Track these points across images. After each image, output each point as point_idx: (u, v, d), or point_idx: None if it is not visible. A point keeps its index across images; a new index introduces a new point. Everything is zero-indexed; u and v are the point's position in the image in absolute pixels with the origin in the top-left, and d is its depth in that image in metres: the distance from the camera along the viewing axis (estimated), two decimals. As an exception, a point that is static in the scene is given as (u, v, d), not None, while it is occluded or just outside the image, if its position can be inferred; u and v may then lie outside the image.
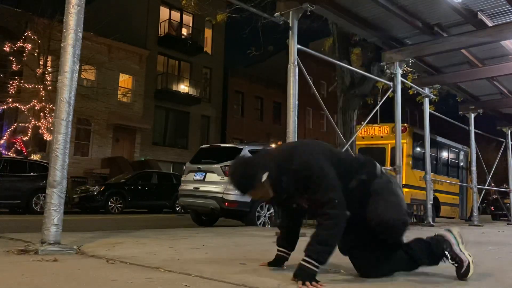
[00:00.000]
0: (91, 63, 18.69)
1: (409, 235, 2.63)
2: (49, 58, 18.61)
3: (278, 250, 2.69)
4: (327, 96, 26.21)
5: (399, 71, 8.32)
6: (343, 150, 2.69)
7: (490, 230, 8.07)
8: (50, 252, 3.00)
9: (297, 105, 5.80)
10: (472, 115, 11.43)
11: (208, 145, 10.26)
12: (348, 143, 7.34)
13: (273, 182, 2.34)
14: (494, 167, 12.74)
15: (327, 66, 23.48)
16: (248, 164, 2.38)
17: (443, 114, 12.03)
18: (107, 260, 2.82)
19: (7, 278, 2.21)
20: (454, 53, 8.43)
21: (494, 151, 19.22)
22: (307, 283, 2.12)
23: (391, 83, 8.41)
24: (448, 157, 12.87)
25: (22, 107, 17.59)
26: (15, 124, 18.16)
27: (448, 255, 2.43)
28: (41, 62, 18.32)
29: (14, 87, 17.76)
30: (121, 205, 14.64)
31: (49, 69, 18.66)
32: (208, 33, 27.49)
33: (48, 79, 18.27)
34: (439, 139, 12.24)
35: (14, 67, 17.83)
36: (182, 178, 9.13)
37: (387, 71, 8.59)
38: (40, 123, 17.73)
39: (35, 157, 16.05)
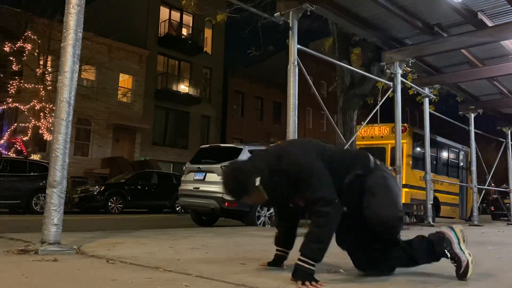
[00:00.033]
0: (91, 63, 18.69)
1: (409, 235, 2.63)
2: (49, 58, 18.61)
3: (277, 250, 2.69)
4: (327, 96, 26.21)
5: (399, 71, 8.32)
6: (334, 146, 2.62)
7: (490, 230, 8.07)
8: (50, 252, 3.00)
9: (297, 105, 5.81)
10: (472, 115, 11.44)
11: (208, 145, 10.26)
12: (348, 143, 7.34)
13: (266, 185, 2.34)
14: (494, 167, 12.75)
15: (327, 66, 23.48)
16: (239, 170, 2.36)
17: (443, 114, 12.03)
18: (107, 260, 2.82)
19: (7, 278, 2.21)
20: (454, 53, 8.44)
21: (494, 151, 19.22)
22: (307, 283, 2.12)
23: (391, 83, 8.42)
24: (448, 157, 12.87)
25: (22, 107, 17.59)
26: (15, 124, 18.16)
27: (448, 254, 2.43)
28: (41, 62, 18.32)
29: (14, 87, 17.76)
30: (121, 205, 14.64)
31: (49, 69, 18.67)
32: (208, 33, 27.49)
33: (48, 79, 18.27)
34: (439, 139, 12.24)
35: (14, 67, 17.83)
36: (182, 178, 9.13)
37: (387, 71, 8.60)
38: (40, 123, 17.73)
39: (35, 157, 16.05)
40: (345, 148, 2.64)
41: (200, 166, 8.52)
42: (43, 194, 11.17)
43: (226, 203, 7.76)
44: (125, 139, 23.65)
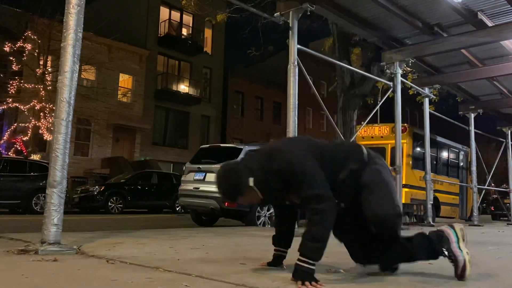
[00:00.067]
0: (91, 63, 18.69)
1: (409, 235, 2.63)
2: (49, 58, 18.62)
3: (275, 250, 2.69)
4: (327, 96, 26.22)
5: (399, 71, 8.32)
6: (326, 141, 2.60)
7: (490, 230, 8.07)
8: (50, 252, 3.00)
9: (297, 105, 5.80)
10: (472, 115, 11.43)
11: (208, 145, 10.26)
12: (348, 143, 7.34)
13: (260, 185, 2.34)
14: (494, 167, 12.75)
15: (327, 66, 23.50)
16: (233, 171, 2.37)
17: (443, 114, 12.03)
18: (107, 260, 2.82)
19: (7, 278, 2.21)
20: (454, 53, 8.44)
21: (494, 151, 19.23)
22: (307, 283, 2.12)
23: (391, 83, 8.42)
24: (448, 157, 12.87)
25: (22, 107, 17.60)
26: (15, 124, 18.17)
27: (446, 252, 2.42)
28: (41, 62, 18.32)
29: (14, 87, 17.77)
30: (121, 205, 14.64)
31: (49, 69, 18.67)
32: (208, 33, 27.49)
33: (48, 79, 18.27)
34: (439, 139, 12.23)
35: (14, 67, 17.84)
36: (182, 178, 9.13)
37: (387, 71, 8.59)
38: (40, 123, 17.73)
39: (35, 157, 16.06)
40: (337, 142, 2.60)
41: (200, 166, 8.52)
42: (43, 194, 11.18)
43: (226, 203, 7.76)
44: (125, 139, 23.65)
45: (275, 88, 28.47)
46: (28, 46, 17.77)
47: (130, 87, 24.24)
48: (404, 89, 10.46)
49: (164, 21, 25.58)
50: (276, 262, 2.67)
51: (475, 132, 11.48)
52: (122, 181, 15.62)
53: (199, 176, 8.43)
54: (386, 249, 2.51)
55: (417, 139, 11.19)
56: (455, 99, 12.46)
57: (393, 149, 8.64)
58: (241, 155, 7.65)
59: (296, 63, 5.90)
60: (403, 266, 2.66)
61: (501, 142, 13.48)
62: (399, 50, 8.22)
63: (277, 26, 7.14)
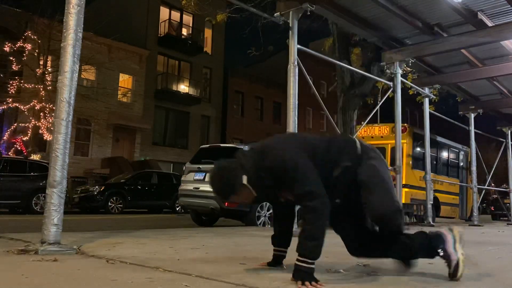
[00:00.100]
0: (91, 63, 18.69)
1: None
2: (49, 58, 18.62)
3: (274, 250, 2.69)
4: (327, 96, 26.22)
5: (399, 71, 8.32)
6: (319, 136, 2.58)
7: (490, 230, 8.07)
8: (50, 252, 3.00)
9: (297, 105, 5.80)
10: (472, 115, 11.43)
11: (208, 145, 10.26)
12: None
13: (254, 183, 2.34)
14: (494, 167, 12.74)
15: (327, 66, 23.48)
16: (226, 169, 2.37)
17: (443, 114, 12.02)
18: (107, 260, 2.82)
19: (7, 278, 2.21)
20: (454, 53, 8.43)
21: (494, 151, 19.22)
22: (306, 283, 2.12)
23: (391, 83, 8.42)
24: (448, 157, 12.87)
25: (22, 107, 17.60)
26: (15, 124, 18.17)
27: (441, 252, 2.42)
28: (41, 62, 18.32)
29: (14, 87, 17.77)
30: (121, 205, 14.64)
31: (49, 69, 18.67)
32: (208, 33, 27.49)
33: (48, 79, 18.27)
34: (439, 139, 12.23)
35: (14, 67, 17.84)
36: (182, 178, 9.13)
37: (387, 71, 8.59)
38: (40, 123, 17.73)
39: (35, 157, 16.05)
40: (330, 137, 2.56)
41: (200, 166, 8.52)
42: (43, 194, 11.17)
43: (226, 203, 7.75)
44: (125, 139, 23.65)
45: (275, 88, 28.47)
46: (28, 46, 17.76)
47: (130, 87, 24.24)
48: (404, 89, 10.46)
49: (164, 21, 25.58)
50: (276, 262, 2.67)
51: (475, 132, 11.48)
52: (122, 181, 15.62)
53: (199, 176, 8.43)
54: (382, 241, 2.53)
55: (417, 139, 11.19)
56: (455, 99, 12.46)
57: (393, 149, 8.65)
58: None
59: (296, 63, 5.90)
60: (401, 266, 2.66)
61: (501, 142, 13.48)
62: (399, 50, 8.22)
63: (277, 26, 7.14)
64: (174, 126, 26.09)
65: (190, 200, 8.53)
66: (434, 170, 10.85)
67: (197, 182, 8.38)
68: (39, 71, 18.08)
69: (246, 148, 2.50)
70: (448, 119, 12.09)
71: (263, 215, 8.29)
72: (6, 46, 17.29)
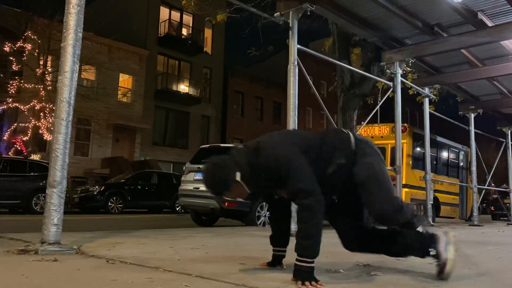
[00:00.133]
0: (91, 63, 18.70)
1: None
2: (49, 58, 18.62)
3: (273, 250, 2.69)
4: (327, 96, 26.21)
5: (399, 71, 8.31)
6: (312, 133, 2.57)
7: (490, 230, 8.07)
8: (50, 252, 3.00)
9: (297, 105, 5.80)
10: (472, 115, 11.43)
11: (208, 145, 10.26)
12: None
13: (248, 179, 2.33)
14: (494, 167, 12.74)
15: (327, 66, 23.47)
16: (219, 165, 2.36)
17: (443, 114, 12.02)
18: (107, 260, 2.82)
19: (7, 278, 2.21)
20: (454, 53, 8.43)
21: (494, 151, 19.21)
22: (306, 283, 2.12)
23: (391, 83, 8.41)
24: (448, 157, 12.87)
25: (22, 107, 17.60)
26: (15, 124, 18.17)
27: (433, 251, 2.43)
28: (41, 62, 18.33)
29: (14, 87, 17.77)
30: (121, 205, 14.64)
31: (49, 69, 18.67)
32: (208, 33, 27.49)
33: (48, 79, 18.28)
34: (439, 139, 12.23)
35: (14, 67, 17.84)
36: (182, 178, 9.12)
37: (387, 71, 8.59)
38: (40, 123, 17.73)
39: (35, 157, 16.06)
40: (324, 134, 2.54)
41: (200, 166, 8.51)
42: (43, 194, 11.18)
43: (226, 203, 7.77)
44: (125, 139, 23.65)
45: (275, 88, 28.47)
46: (28, 46, 17.77)
47: (130, 87, 24.24)
48: (404, 89, 10.45)
49: (164, 21, 25.58)
50: (276, 262, 2.67)
51: (475, 132, 11.48)
52: (122, 181, 15.62)
53: (199, 176, 8.43)
54: (378, 241, 2.55)
55: (417, 139, 11.19)
56: (455, 99, 12.45)
57: (393, 149, 8.64)
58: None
59: (296, 63, 5.89)
60: (403, 266, 2.67)
61: (501, 142, 13.48)
62: (399, 50, 8.21)
63: (277, 26, 7.13)
64: (174, 126, 26.10)
65: (190, 200, 8.53)
66: (434, 170, 10.85)
67: (197, 182, 8.38)
68: (39, 71, 18.09)
69: (241, 145, 2.49)
70: (448, 119, 12.09)
71: (263, 215, 8.28)
72: (6, 46, 17.30)
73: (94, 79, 22.08)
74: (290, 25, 6.07)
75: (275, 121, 30.06)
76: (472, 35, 7.28)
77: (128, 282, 2.17)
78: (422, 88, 9.89)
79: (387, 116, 11.74)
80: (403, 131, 9.64)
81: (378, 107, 8.66)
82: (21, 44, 17.52)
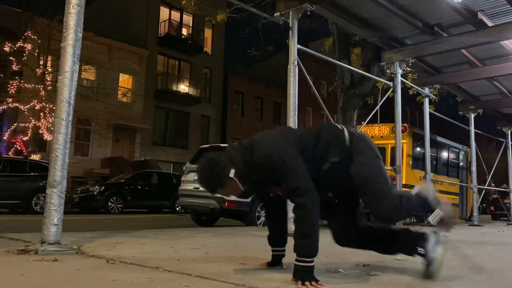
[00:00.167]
0: (91, 63, 18.70)
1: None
2: (49, 58, 18.63)
3: (273, 250, 2.69)
4: (327, 96, 26.21)
5: (399, 71, 8.31)
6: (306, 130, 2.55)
7: (490, 230, 8.07)
8: (50, 252, 3.00)
9: (297, 105, 5.80)
10: (472, 115, 11.43)
11: (208, 145, 10.27)
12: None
13: (242, 177, 2.33)
14: (494, 167, 12.74)
15: (327, 66, 23.47)
16: (214, 162, 2.35)
17: (443, 114, 12.02)
18: (107, 260, 2.81)
19: (7, 278, 2.21)
20: (454, 53, 8.43)
21: (494, 151, 19.22)
22: (307, 283, 2.12)
23: (391, 83, 8.42)
24: (448, 157, 12.87)
25: (22, 107, 17.60)
26: (15, 124, 18.17)
27: (421, 251, 2.44)
28: (41, 62, 18.33)
29: (14, 87, 17.78)
30: (121, 205, 14.64)
31: (49, 69, 18.68)
32: (208, 33, 27.49)
33: (48, 79, 18.28)
34: (439, 139, 12.23)
35: (14, 67, 17.84)
36: (182, 178, 9.13)
37: (387, 71, 8.59)
38: (40, 123, 17.74)
39: (35, 157, 16.06)
40: (318, 131, 2.51)
41: (200, 166, 8.51)
42: (43, 194, 11.18)
43: (226, 203, 7.77)
44: (125, 139, 23.65)
45: (275, 88, 28.47)
46: (28, 46, 17.77)
47: (130, 87, 24.25)
48: (404, 89, 10.45)
49: (164, 21, 25.58)
50: (276, 262, 2.67)
51: (475, 132, 11.48)
52: (122, 181, 15.62)
53: (199, 176, 8.42)
54: (369, 237, 2.58)
55: (417, 139, 11.19)
56: (455, 99, 12.46)
57: (393, 149, 8.64)
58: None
59: (296, 63, 5.89)
60: (403, 266, 2.67)
61: (501, 142, 13.48)
62: (399, 50, 8.22)
63: (277, 26, 7.13)
64: (174, 126, 26.10)
65: (190, 200, 8.53)
66: (434, 170, 10.85)
67: (197, 182, 8.38)
68: (39, 71, 18.09)
69: (236, 143, 2.48)
70: (448, 119, 12.09)
71: (263, 215, 8.28)
72: (6, 46, 17.30)
73: (94, 79, 22.09)
74: (290, 25, 6.07)
75: (275, 121, 30.05)
76: (472, 35, 7.27)
77: (128, 282, 2.17)
78: (422, 88, 9.89)
79: (387, 116, 11.74)
80: (403, 131, 9.64)
81: (378, 107, 8.66)
82: (21, 44, 17.52)
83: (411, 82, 10.35)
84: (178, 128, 26.14)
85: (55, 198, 3.26)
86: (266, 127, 29.46)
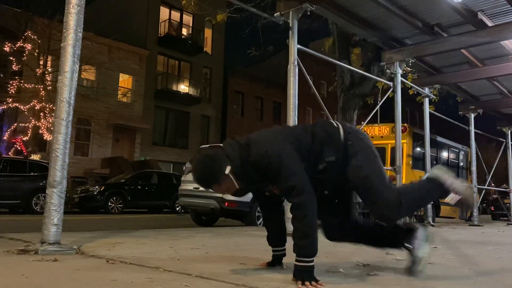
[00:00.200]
0: (91, 63, 18.71)
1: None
2: (49, 58, 18.64)
3: (273, 250, 2.68)
4: (327, 96, 26.23)
5: (399, 71, 8.31)
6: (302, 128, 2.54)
7: (490, 230, 8.07)
8: (50, 252, 3.00)
9: (297, 105, 5.80)
10: (472, 115, 11.43)
11: (208, 145, 10.25)
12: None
13: (239, 175, 2.31)
14: (494, 167, 12.74)
15: (327, 66, 23.49)
16: (210, 157, 2.33)
17: (443, 114, 12.02)
18: (107, 260, 2.81)
19: (7, 278, 2.21)
20: (454, 53, 8.43)
21: (494, 151, 19.22)
22: (307, 283, 2.11)
23: (391, 83, 8.41)
24: (448, 157, 12.87)
25: (22, 107, 17.61)
26: (15, 124, 18.18)
27: (408, 246, 2.47)
28: (41, 62, 18.34)
29: (14, 87, 17.78)
30: (121, 205, 14.65)
31: (49, 69, 18.69)
32: (208, 33, 27.50)
33: (48, 79, 18.29)
34: (439, 139, 12.23)
35: (14, 67, 17.85)
36: (182, 178, 9.13)
37: (387, 71, 8.59)
38: (40, 123, 17.74)
39: (35, 157, 16.07)
40: (313, 129, 2.49)
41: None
42: (43, 194, 11.18)
43: (226, 203, 7.77)
44: (125, 139, 23.66)
45: (275, 88, 28.48)
46: (28, 46, 17.77)
47: (130, 87, 24.25)
48: (404, 89, 10.46)
49: (164, 21, 25.58)
50: (276, 261, 2.66)
51: (475, 132, 11.48)
52: (122, 181, 15.62)
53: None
54: (359, 232, 2.62)
55: (417, 139, 11.19)
56: (455, 99, 12.45)
57: (393, 149, 8.64)
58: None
59: (296, 63, 5.89)
60: (403, 266, 2.66)
61: (501, 142, 13.48)
62: (399, 50, 8.21)
63: (277, 26, 7.13)
64: (174, 126, 26.10)
65: (190, 200, 8.54)
66: (434, 170, 10.83)
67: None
68: (39, 71, 18.09)
69: (233, 141, 2.46)
70: (448, 119, 12.09)
71: (263, 215, 8.27)
72: (6, 46, 17.31)
73: (94, 79, 22.09)
74: (290, 25, 6.07)
75: (275, 121, 30.06)
76: (472, 35, 7.27)
77: (128, 282, 2.17)
78: (422, 88, 9.89)
79: (387, 116, 11.75)
80: (403, 131, 9.64)
81: (378, 107, 8.66)
82: (21, 44, 17.53)
83: (411, 82, 10.35)
84: (178, 128, 26.15)
85: (55, 198, 3.26)
86: (266, 127, 29.26)
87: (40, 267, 2.56)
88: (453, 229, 7.80)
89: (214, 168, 2.28)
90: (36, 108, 17.71)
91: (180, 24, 26.20)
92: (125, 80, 24.23)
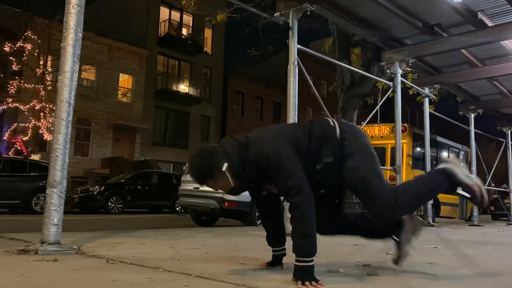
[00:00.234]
0: (91, 63, 18.72)
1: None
2: (49, 58, 18.64)
3: (272, 250, 2.68)
4: (327, 96, 26.23)
5: (399, 71, 8.31)
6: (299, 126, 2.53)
7: (490, 230, 8.07)
8: (50, 252, 3.00)
9: (297, 105, 5.80)
10: (472, 115, 11.43)
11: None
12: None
13: (235, 172, 2.30)
14: (494, 167, 12.74)
15: (327, 66, 23.48)
16: (208, 152, 2.32)
17: (443, 114, 12.03)
18: (107, 260, 2.81)
19: (7, 278, 2.21)
20: (454, 53, 8.43)
21: (494, 151, 19.22)
22: (307, 283, 2.11)
23: (391, 83, 8.42)
24: (448, 157, 12.87)
25: (22, 107, 17.61)
26: (15, 124, 18.18)
27: (396, 238, 2.52)
28: (41, 62, 18.34)
29: (14, 87, 17.79)
30: (121, 205, 14.65)
31: (49, 69, 18.69)
32: (208, 33, 27.50)
33: (48, 79, 18.29)
34: (439, 139, 12.23)
35: (14, 67, 17.86)
36: (182, 178, 9.13)
37: (387, 71, 8.59)
38: (40, 123, 17.74)
39: (35, 157, 16.07)
40: (311, 129, 2.47)
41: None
42: (43, 194, 11.19)
43: (226, 203, 7.77)
44: (125, 139, 23.66)
45: (275, 88, 28.48)
46: (28, 46, 17.78)
47: (130, 87, 24.26)
48: (404, 89, 10.46)
49: (164, 21, 25.59)
50: (276, 261, 2.66)
51: (475, 132, 11.48)
52: (122, 181, 15.62)
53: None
54: (349, 225, 2.67)
55: (417, 139, 11.19)
56: (455, 99, 12.46)
57: (393, 149, 8.65)
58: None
59: (296, 63, 5.89)
60: (403, 266, 2.66)
61: (501, 142, 13.48)
62: (399, 50, 8.22)
63: (277, 26, 7.13)
64: (174, 126, 26.11)
65: (190, 200, 8.54)
66: (434, 170, 10.83)
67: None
68: (39, 71, 18.10)
69: (231, 138, 2.45)
70: (448, 119, 12.09)
71: (263, 215, 8.27)
72: (6, 46, 17.31)
73: (94, 79, 22.10)
74: (290, 25, 6.07)
75: (275, 121, 30.05)
76: (472, 35, 7.27)
77: (128, 282, 2.17)
78: (422, 88, 9.89)
79: (387, 116, 11.74)
80: (403, 131, 9.65)
81: (378, 107, 8.66)
82: (21, 44, 17.54)
83: (411, 82, 10.35)
84: (178, 128, 26.15)
85: (55, 198, 3.26)
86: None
87: (40, 267, 2.56)
88: (453, 229, 7.80)
89: (211, 164, 2.27)
90: (36, 108, 17.72)
91: (180, 24, 26.21)
92: (125, 80, 24.23)
